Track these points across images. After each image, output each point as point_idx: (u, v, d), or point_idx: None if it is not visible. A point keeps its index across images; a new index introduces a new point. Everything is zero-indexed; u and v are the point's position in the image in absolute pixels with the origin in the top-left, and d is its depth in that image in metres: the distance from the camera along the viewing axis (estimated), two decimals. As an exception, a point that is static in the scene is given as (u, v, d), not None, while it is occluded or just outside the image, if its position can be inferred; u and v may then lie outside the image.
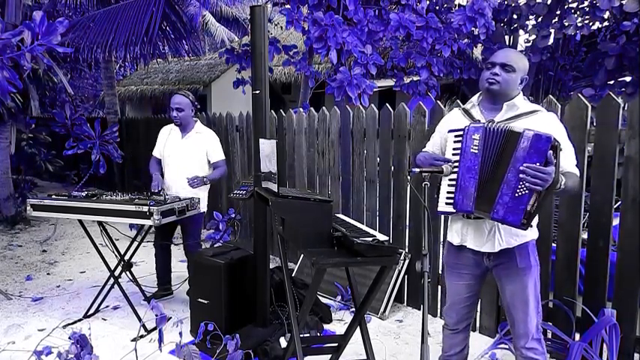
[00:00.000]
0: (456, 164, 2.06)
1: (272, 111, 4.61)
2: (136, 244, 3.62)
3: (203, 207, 3.82)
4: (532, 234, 2.15)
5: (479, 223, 2.15)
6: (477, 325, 3.36)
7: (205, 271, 3.22)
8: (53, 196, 3.54)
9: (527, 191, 1.89)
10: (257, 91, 3.09)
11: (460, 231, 2.24)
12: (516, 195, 1.91)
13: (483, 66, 2.23)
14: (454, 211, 2.08)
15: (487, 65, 2.15)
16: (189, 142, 3.82)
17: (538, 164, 1.86)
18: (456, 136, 2.11)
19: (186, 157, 3.80)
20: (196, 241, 3.89)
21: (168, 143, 3.86)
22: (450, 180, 2.08)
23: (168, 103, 3.81)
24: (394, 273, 3.73)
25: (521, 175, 1.88)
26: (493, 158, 1.99)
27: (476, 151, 2.01)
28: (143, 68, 13.54)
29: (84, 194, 3.52)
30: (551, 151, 1.85)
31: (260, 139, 2.90)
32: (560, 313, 2.92)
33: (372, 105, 4.03)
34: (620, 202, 2.72)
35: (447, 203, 2.09)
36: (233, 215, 5.52)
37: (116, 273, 3.57)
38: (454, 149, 2.10)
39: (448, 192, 2.08)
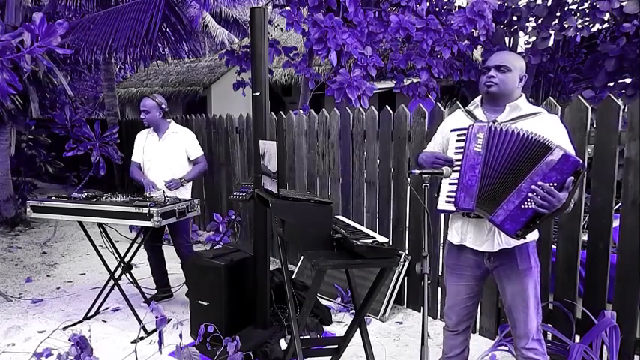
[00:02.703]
0: (458, 163, 2.05)
1: (272, 113, 4.61)
2: (135, 245, 3.61)
3: None
4: (532, 235, 2.15)
5: (479, 222, 2.15)
6: (477, 326, 3.36)
7: (205, 272, 3.22)
8: (53, 198, 3.55)
9: (532, 207, 1.88)
10: (257, 93, 3.09)
11: (460, 230, 2.24)
12: (522, 207, 1.91)
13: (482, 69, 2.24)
14: (454, 209, 2.06)
15: (483, 70, 2.18)
16: (167, 143, 3.88)
17: (555, 184, 1.84)
18: (459, 135, 2.10)
19: (166, 158, 3.86)
20: (186, 240, 3.90)
21: (147, 148, 3.93)
22: (451, 179, 2.07)
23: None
24: (394, 275, 3.73)
25: (530, 195, 1.88)
26: (505, 161, 1.97)
27: (479, 150, 1.99)
28: (143, 70, 13.56)
29: (84, 196, 3.52)
30: (572, 177, 1.83)
31: (260, 141, 2.90)
32: (560, 314, 2.92)
33: (372, 107, 4.03)
34: (620, 204, 2.72)
35: (447, 202, 2.08)
36: (233, 217, 5.52)
37: (116, 275, 3.56)
38: (457, 148, 2.09)
39: (449, 191, 2.07)
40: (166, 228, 3.87)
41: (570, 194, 1.84)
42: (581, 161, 1.85)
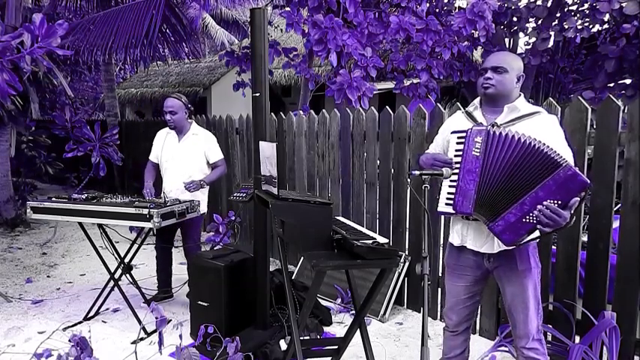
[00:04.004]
0: (457, 166, 2.06)
1: (272, 113, 4.61)
2: (136, 246, 3.61)
3: (203, 209, 3.82)
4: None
5: (479, 225, 2.15)
6: (477, 327, 3.36)
7: (205, 273, 3.22)
8: (53, 199, 3.55)
9: (534, 222, 1.87)
10: (257, 94, 3.10)
11: (460, 232, 2.25)
12: (523, 220, 1.90)
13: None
14: (454, 212, 2.07)
15: (480, 72, 2.18)
16: (187, 145, 3.82)
17: (560, 202, 1.83)
18: (458, 138, 2.11)
19: (185, 160, 3.80)
20: (196, 243, 3.89)
21: (166, 148, 3.85)
22: (450, 181, 2.08)
23: (162, 107, 3.82)
24: (394, 275, 3.73)
25: (536, 212, 1.86)
26: (505, 167, 1.95)
27: (477, 154, 1.99)
28: (143, 71, 13.58)
29: (84, 197, 3.52)
30: (576, 198, 1.82)
31: (260, 142, 2.90)
32: (560, 315, 2.92)
33: (372, 107, 4.03)
34: (620, 205, 2.72)
35: (446, 204, 2.08)
36: (233, 218, 5.52)
37: (116, 275, 3.56)
38: (456, 150, 2.09)
39: (448, 193, 2.08)
40: (179, 231, 3.88)
41: (573, 213, 1.84)
42: (588, 181, 1.84)
